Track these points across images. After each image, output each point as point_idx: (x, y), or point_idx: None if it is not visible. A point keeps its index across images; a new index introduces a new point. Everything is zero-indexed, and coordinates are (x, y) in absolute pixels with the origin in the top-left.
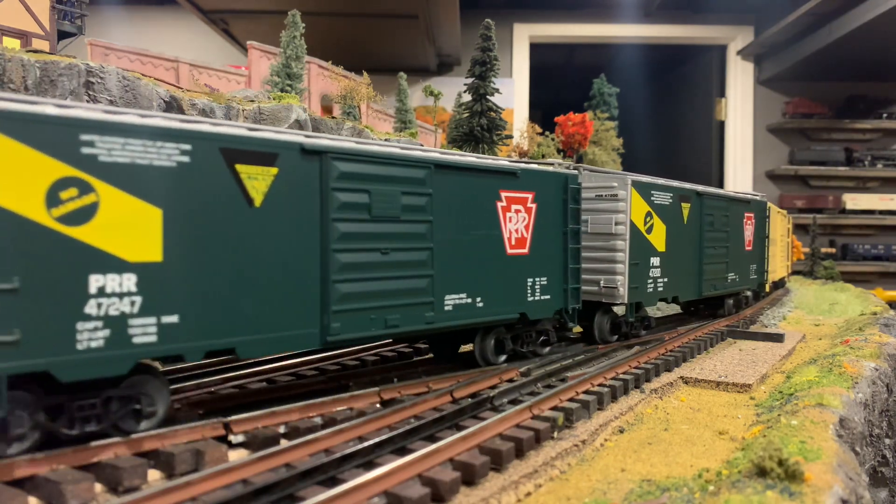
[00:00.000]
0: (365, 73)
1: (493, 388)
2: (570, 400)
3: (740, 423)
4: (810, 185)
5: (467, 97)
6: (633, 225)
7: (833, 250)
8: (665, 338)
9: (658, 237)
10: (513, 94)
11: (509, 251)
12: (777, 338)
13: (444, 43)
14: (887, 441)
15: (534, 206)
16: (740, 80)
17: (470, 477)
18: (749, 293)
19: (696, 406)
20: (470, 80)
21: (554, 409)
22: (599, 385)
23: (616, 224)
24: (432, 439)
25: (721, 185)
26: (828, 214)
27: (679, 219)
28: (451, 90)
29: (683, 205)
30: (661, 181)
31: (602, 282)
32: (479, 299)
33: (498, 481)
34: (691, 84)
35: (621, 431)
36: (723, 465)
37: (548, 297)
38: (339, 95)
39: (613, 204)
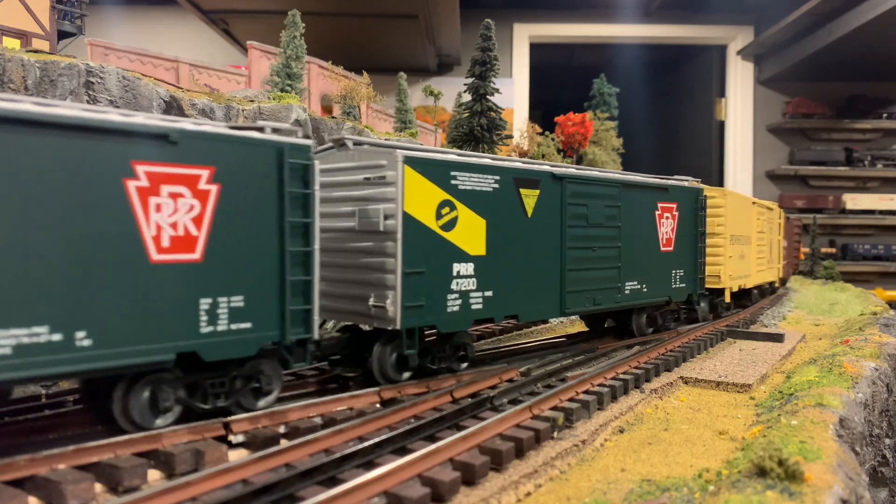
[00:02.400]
0: (365, 73)
1: (492, 388)
2: (570, 400)
3: (740, 423)
4: (810, 185)
5: (467, 97)
6: (410, 219)
7: (833, 250)
8: (665, 337)
9: (469, 236)
10: (513, 94)
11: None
12: (777, 338)
13: (444, 43)
14: (887, 441)
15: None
16: (740, 80)
17: (470, 477)
18: (677, 306)
19: (696, 406)
20: (470, 80)
21: (554, 409)
22: (599, 385)
23: (385, 218)
24: (432, 439)
25: (721, 186)
26: (828, 214)
27: (516, 211)
28: (451, 90)
29: (524, 192)
30: (472, 158)
31: (372, 298)
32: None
33: (498, 481)
34: (691, 84)
35: (621, 431)
36: (723, 465)
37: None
38: (339, 95)
39: (381, 190)
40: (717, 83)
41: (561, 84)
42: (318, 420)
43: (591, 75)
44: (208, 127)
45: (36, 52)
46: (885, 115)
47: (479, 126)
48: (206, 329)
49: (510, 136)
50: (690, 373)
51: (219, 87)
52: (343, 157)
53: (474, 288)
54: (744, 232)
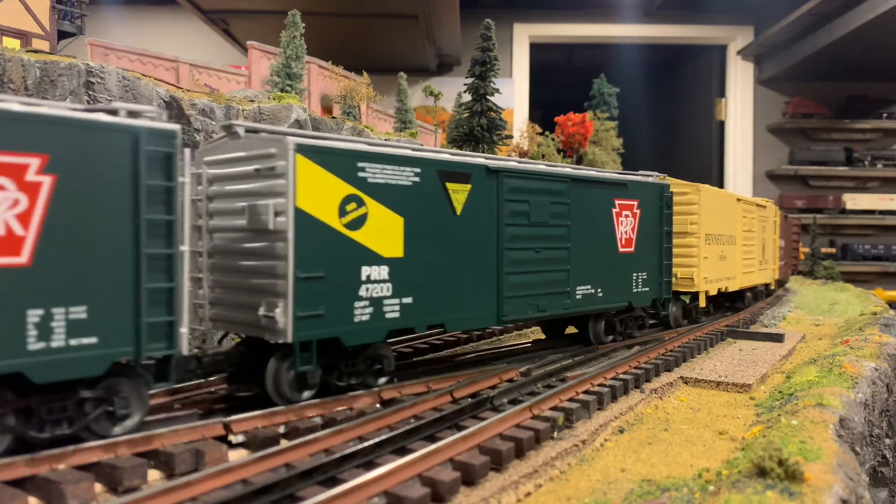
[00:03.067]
0: (365, 73)
1: (492, 388)
2: (570, 400)
3: (740, 423)
4: (810, 185)
5: (467, 97)
6: (305, 216)
7: (833, 250)
8: (665, 338)
9: (383, 235)
10: (513, 94)
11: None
12: (777, 338)
13: (444, 43)
14: (887, 441)
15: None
16: (740, 80)
17: (470, 477)
18: (643, 311)
19: (696, 406)
20: (470, 80)
21: (554, 409)
22: (599, 385)
23: (275, 215)
24: (432, 439)
25: (721, 186)
26: (828, 214)
27: (441, 207)
28: (451, 90)
29: (452, 186)
30: (385, 148)
31: (262, 307)
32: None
33: (498, 481)
34: (691, 84)
35: (621, 431)
36: (723, 465)
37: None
38: (339, 95)
39: (271, 183)
40: (717, 83)
41: (561, 84)
42: (318, 420)
43: (591, 75)
44: (42, 108)
45: (36, 52)
46: (885, 115)
47: (479, 126)
48: (35, 346)
49: (510, 136)
50: (690, 373)
51: (219, 87)
52: (236, 147)
53: (389, 294)
54: (724, 231)
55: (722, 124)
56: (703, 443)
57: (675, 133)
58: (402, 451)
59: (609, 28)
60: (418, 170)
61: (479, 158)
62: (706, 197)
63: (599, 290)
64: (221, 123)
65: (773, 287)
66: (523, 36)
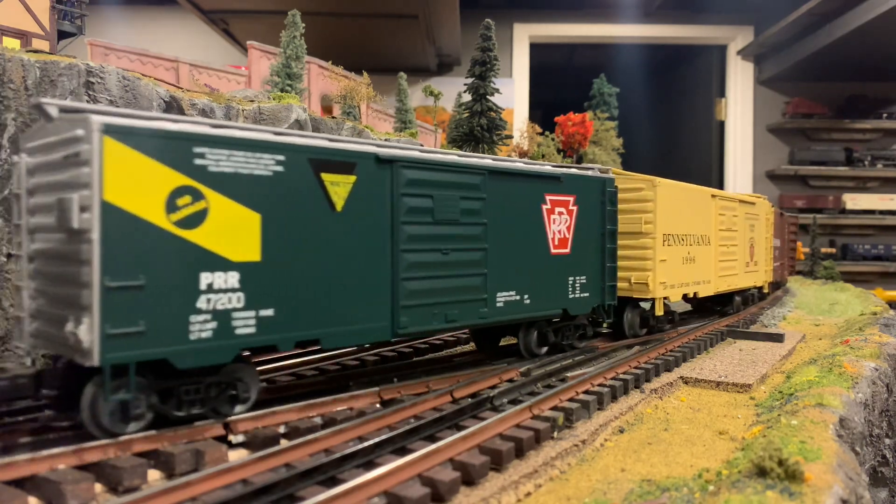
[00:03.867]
0: (365, 73)
1: (493, 388)
2: (570, 400)
3: (740, 423)
4: (810, 185)
5: (467, 97)
6: (117, 211)
7: (833, 250)
8: (665, 338)
9: (231, 235)
10: (513, 94)
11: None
12: (777, 338)
13: (444, 43)
14: (887, 441)
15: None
16: (740, 80)
17: (470, 477)
18: (586, 319)
19: (696, 406)
20: (470, 80)
21: (554, 409)
22: (599, 385)
23: (80, 211)
24: (432, 439)
25: (721, 186)
26: (828, 214)
27: (315, 202)
28: (451, 90)
29: (330, 178)
30: (234, 130)
31: (70, 322)
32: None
33: (498, 481)
34: (691, 84)
35: (621, 431)
36: (723, 465)
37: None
38: (339, 95)
39: (75, 172)
40: (717, 83)
41: (561, 84)
42: (318, 420)
43: (591, 75)
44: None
45: (36, 52)
46: (885, 115)
47: (479, 126)
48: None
49: (510, 136)
50: (690, 373)
51: (219, 87)
52: (50, 131)
53: (241, 306)
54: (692, 230)
55: (722, 124)
56: (703, 443)
57: (675, 133)
58: (402, 451)
59: (609, 28)
60: (282, 157)
61: (366, 145)
62: (663, 193)
63: (526, 296)
64: (32, 101)
65: (766, 290)
66: (523, 36)
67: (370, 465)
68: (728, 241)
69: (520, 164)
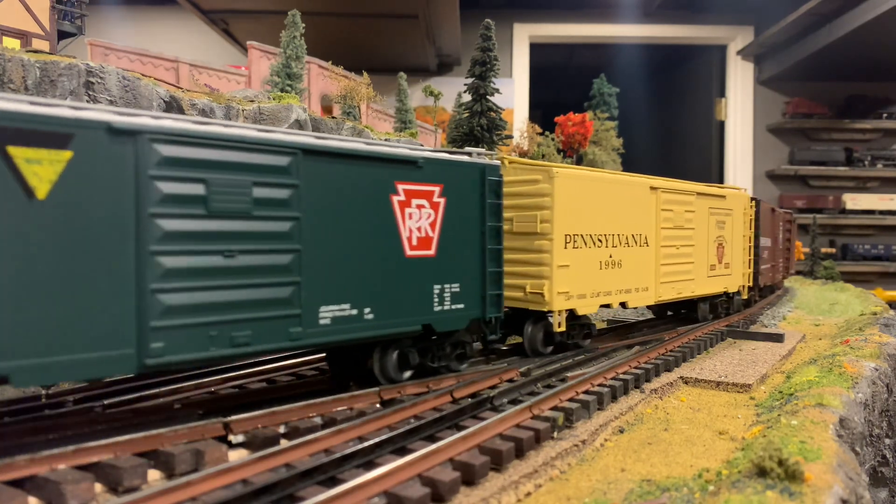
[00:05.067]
0: (365, 73)
1: (492, 388)
2: (570, 400)
3: (740, 423)
4: (810, 185)
5: (467, 97)
6: None
7: (833, 250)
8: (665, 337)
9: None
10: (513, 94)
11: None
12: (777, 338)
13: (444, 43)
14: (887, 441)
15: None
16: (740, 80)
17: (470, 477)
18: (470, 336)
19: (696, 406)
20: (470, 80)
21: (554, 409)
22: (599, 385)
23: None
24: (432, 439)
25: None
26: (828, 214)
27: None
28: (451, 90)
29: (24, 153)
30: None
31: None
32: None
33: (498, 481)
34: (691, 84)
35: (621, 431)
36: (723, 465)
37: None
38: (339, 95)
39: None
40: (717, 83)
41: (561, 84)
42: (318, 420)
43: (591, 75)
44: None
45: (36, 52)
46: (885, 115)
47: (479, 126)
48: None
49: (510, 136)
50: (690, 373)
51: (219, 87)
52: None
53: None
54: (615, 229)
55: (722, 124)
56: (703, 443)
57: (675, 133)
58: (402, 451)
59: (609, 28)
60: None
61: (89, 112)
62: (564, 185)
63: (368, 310)
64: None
65: (745, 296)
66: (523, 36)
67: (370, 465)
68: (679, 241)
69: (354, 145)
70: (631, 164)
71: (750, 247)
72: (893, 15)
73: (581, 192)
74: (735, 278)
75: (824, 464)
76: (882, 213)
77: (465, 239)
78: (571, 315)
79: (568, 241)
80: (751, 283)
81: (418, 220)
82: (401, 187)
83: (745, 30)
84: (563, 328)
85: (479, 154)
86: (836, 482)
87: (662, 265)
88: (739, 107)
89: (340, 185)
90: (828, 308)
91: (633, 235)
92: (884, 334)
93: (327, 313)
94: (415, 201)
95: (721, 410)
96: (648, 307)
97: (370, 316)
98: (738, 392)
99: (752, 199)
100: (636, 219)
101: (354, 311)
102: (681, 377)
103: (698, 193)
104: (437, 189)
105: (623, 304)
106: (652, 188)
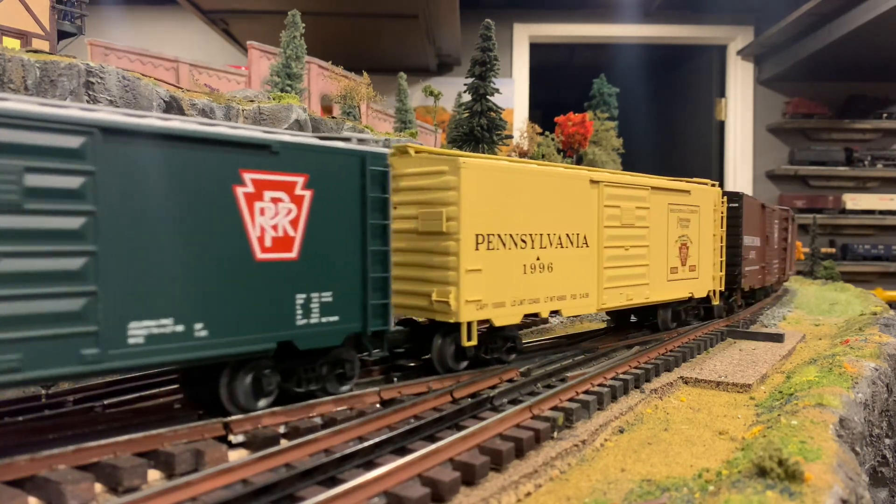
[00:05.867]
0: (365, 73)
1: (492, 388)
2: (570, 400)
3: (740, 423)
4: (810, 185)
5: (467, 97)
6: None
7: (833, 250)
8: (665, 338)
9: None
10: (513, 94)
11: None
12: (777, 338)
13: (444, 43)
14: (887, 441)
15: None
16: (740, 80)
17: (470, 477)
18: (352, 353)
19: (696, 406)
20: (470, 80)
21: (554, 409)
22: (599, 385)
23: None
24: (432, 439)
25: (721, 186)
26: (828, 214)
27: None
28: (451, 90)
29: None
30: None
31: None
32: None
33: (498, 481)
34: (691, 84)
35: (621, 431)
36: (723, 465)
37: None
38: (339, 95)
39: None
40: (717, 83)
41: (561, 84)
42: (318, 420)
43: (591, 75)
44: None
45: (36, 52)
46: (885, 115)
47: (479, 126)
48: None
49: (510, 136)
50: (690, 373)
51: (219, 87)
52: None
53: None
54: (544, 227)
55: (722, 124)
56: (703, 443)
57: (675, 133)
58: (402, 451)
59: (609, 28)
60: None
61: None
62: (475, 177)
63: (199, 325)
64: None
65: (715, 301)
66: (523, 36)
67: (370, 465)
68: (628, 241)
69: (179, 124)
70: (631, 164)
71: (722, 247)
72: (893, 15)
73: (498, 186)
74: (703, 282)
75: (824, 464)
76: (882, 213)
77: (341, 239)
78: (491, 327)
79: (480, 241)
80: (722, 288)
81: (274, 216)
82: (248, 177)
83: (745, 30)
84: (473, 342)
85: (360, 140)
86: (836, 482)
87: (607, 268)
88: (739, 107)
89: (160, 174)
90: (828, 308)
91: (568, 235)
92: (884, 334)
93: (139, 330)
94: (269, 194)
95: (721, 410)
96: (609, 314)
97: (203, 333)
98: (738, 392)
99: (734, 193)
100: (572, 216)
101: (180, 328)
102: (681, 377)
103: (653, 188)
104: (300, 180)
105: (556, 313)
106: (593, 182)
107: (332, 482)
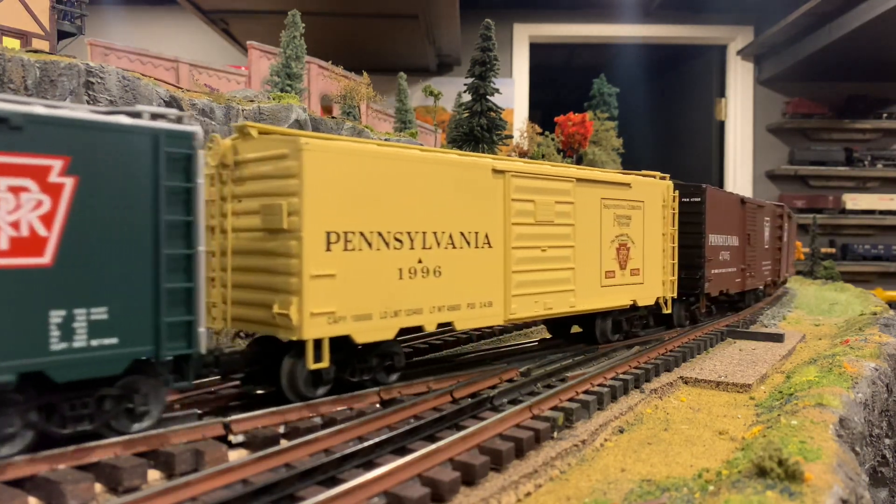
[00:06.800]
0: (365, 73)
1: (492, 388)
2: (570, 400)
3: (740, 423)
4: (810, 185)
5: (467, 97)
6: None
7: (833, 250)
8: (665, 338)
9: None
10: (513, 94)
11: None
12: (777, 338)
13: (444, 43)
14: (887, 441)
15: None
16: (740, 80)
17: (470, 477)
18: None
19: (696, 406)
20: (470, 80)
21: (554, 409)
22: (599, 385)
23: None
24: (432, 439)
25: (721, 186)
26: (828, 214)
27: None
28: (451, 90)
29: None
30: None
31: None
32: None
33: (498, 481)
34: (691, 84)
35: (621, 431)
36: (723, 465)
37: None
38: (339, 95)
39: None
40: (717, 83)
41: (561, 84)
42: (318, 420)
43: (591, 75)
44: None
45: (36, 52)
46: (885, 115)
47: (479, 126)
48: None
49: (510, 136)
50: (690, 373)
51: (219, 87)
52: None
53: None
54: (429, 225)
55: (722, 124)
56: (703, 443)
57: (675, 133)
58: (402, 451)
59: (609, 28)
60: None
61: None
62: (322, 162)
63: None
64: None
65: (667, 309)
66: (523, 36)
67: (370, 465)
68: (545, 241)
69: None
70: (631, 164)
71: (673, 248)
72: (893, 15)
73: (360, 174)
74: (650, 288)
75: (824, 464)
76: (882, 213)
77: (121, 240)
78: (367, 345)
79: (334, 240)
80: (675, 294)
81: (14, 210)
82: None
83: (745, 30)
84: (324, 363)
85: (156, 116)
86: (836, 482)
87: (517, 272)
88: (739, 107)
89: None
90: (828, 308)
91: (462, 234)
92: (884, 334)
93: None
94: (4, 181)
95: (721, 410)
96: (548, 326)
97: None
98: (738, 392)
99: (695, 187)
100: (469, 212)
101: None
102: (681, 377)
103: (580, 180)
104: (56, 164)
105: (447, 325)
106: (496, 171)
107: (332, 482)
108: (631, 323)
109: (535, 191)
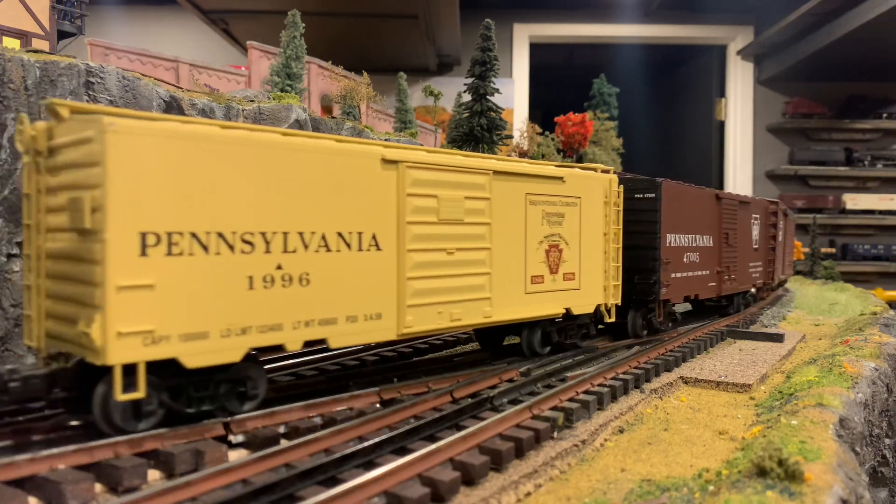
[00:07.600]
0: (365, 73)
1: (492, 388)
2: (570, 400)
3: (740, 423)
4: (810, 185)
5: (467, 97)
6: None
7: (833, 250)
8: (665, 338)
9: None
10: (513, 94)
11: None
12: (777, 338)
13: (444, 43)
14: (887, 441)
15: None
16: (740, 80)
17: (470, 477)
18: None
19: (696, 406)
20: (470, 80)
21: (554, 409)
22: (599, 385)
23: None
24: (432, 439)
25: (721, 186)
26: (828, 214)
27: None
28: (451, 90)
29: None
30: None
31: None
32: None
33: (498, 481)
34: (691, 84)
35: (621, 431)
36: (723, 465)
37: None
38: (339, 95)
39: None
40: (717, 83)
41: (561, 84)
42: (318, 420)
43: (591, 75)
44: None
45: (36, 52)
46: (885, 115)
47: (479, 126)
48: None
49: (510, 136)
50: (690, 373)
51: (219, 87)
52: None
53: None
54: (293, 224)
55: (722, 124)
56: (703, 443)
57: (675, 133)
58: (402, 451)
59: (609, 28)
60: None
61: None
62: (134, 146)
63: None
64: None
65: (609, 318)
66: (523, 36)
67: (370, 465)
68: (451, 242)
69: None
70: (631, 164)
71: (617, 249)
72: (893, 15)
73: (190, 162)
74: (589, 294)
75: (824, 464)
76: (882, 213)
77: None
78: (207, 370)
79: (152, 242)
80: (618, 301)
81: None
82: None
83: (745, 30)
84: (140, 393)
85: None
86: (836, 482)
87: (414, 279)
88: (739, 107)
89: None
90: (828, 308)
91: (340, 234)
92: (884, 334)
93: None
94: None
95: (721, 410)
96: (478, 339)
97: None
98: (738, 392)
99: (649, 180)
100: (349, 208)
101: None
102: (681, 377)
103: (496, 172)
104: None
105: (319, 343)
106: (387, 161)
107: (332, 482)
108: (564, 333)
109: (439, 184)
